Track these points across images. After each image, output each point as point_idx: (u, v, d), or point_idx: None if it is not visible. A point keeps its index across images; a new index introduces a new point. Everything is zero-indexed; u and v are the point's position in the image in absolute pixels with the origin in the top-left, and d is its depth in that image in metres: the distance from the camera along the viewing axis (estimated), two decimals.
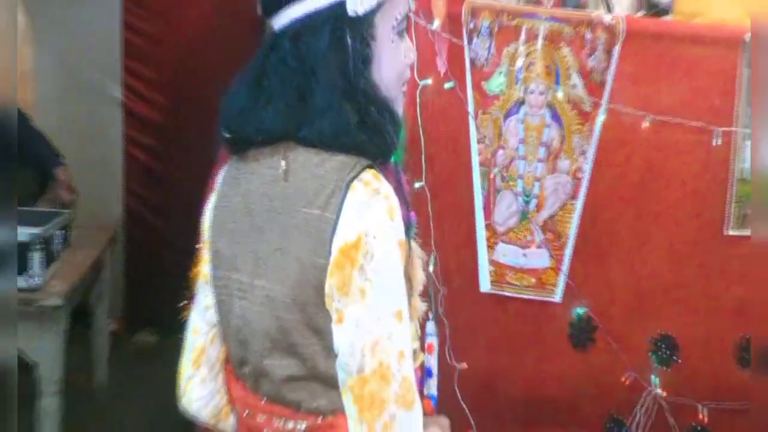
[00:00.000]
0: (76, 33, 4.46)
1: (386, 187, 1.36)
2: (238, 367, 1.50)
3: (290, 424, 1.43)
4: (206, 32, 4.45)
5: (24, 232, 3.29)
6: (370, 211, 1.34)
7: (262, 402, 1.46)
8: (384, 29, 1.43)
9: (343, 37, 1.38)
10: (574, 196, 2.89)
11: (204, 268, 1.56)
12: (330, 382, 1.40)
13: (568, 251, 2.90)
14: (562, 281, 2.91)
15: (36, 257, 3.30)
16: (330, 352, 1.38)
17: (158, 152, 4.65)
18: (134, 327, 4.61)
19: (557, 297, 2.92)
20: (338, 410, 1.40)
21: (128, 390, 4.04)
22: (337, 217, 1.33)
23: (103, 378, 4.15)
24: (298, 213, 1.36)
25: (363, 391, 1.35)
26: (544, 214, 2.89)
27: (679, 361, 2.94)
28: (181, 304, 2.43)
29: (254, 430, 1.49)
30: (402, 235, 1.37)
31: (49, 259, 3.41)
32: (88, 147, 4.39)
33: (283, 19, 1.41)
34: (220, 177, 1.53)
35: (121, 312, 4.61)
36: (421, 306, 1.50)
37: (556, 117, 2.86)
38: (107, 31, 4.53)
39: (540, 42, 2.82)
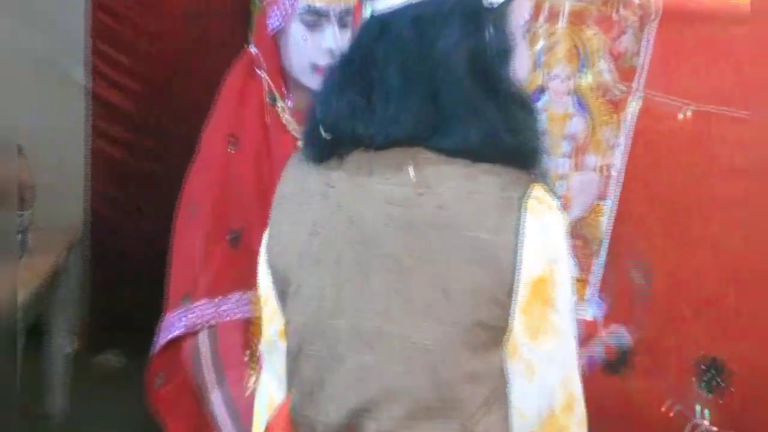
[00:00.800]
0: (35, 4, 4.37)
1: (558, 204, 1.33)
2: None
3: None
4: (187, 15, 4.39)
5: None
6: (553, 234, 1.31)
7: None
8: (515, 24, 1.39)
9: (480, 25, 1.33)
10: (603, 196, 2.79)
11: (272, 323, 1.49)
12: None
13: (599, 260, 2.80)
14: (591, 294, 2.81)
15: None
16: (488, 409, 1.32)
17: (129, 145, 4.50)
18: (98, 347, 4.45)
19: (586, 313, 2.81)
20: None
21: (91, 419, 3.90)
22: (519, 242, 1.27)
23: (61, 405, 4.02)
24: (455, 237, 1.29)
25: (553, 427, 1.34)
26: (570, 217, 2.75)
27: (732, 388, 2.79)
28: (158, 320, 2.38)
29: None
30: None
31: None
32: (47, 138, 4.22)
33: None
34: (294, 190, 1.44)
35: (84, 329, 4.47)
36: None
37: (582, 106, 2.78)
38: (73, 6, 4.43)
39: (563, 22, 2.76)
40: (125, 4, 4.44)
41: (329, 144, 1.36)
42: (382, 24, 1.35)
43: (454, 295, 1.27)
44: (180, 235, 2.34)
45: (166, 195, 2.58)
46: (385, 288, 1.32)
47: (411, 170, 1.30)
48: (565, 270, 1.31)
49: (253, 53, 2.28)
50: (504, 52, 1.34)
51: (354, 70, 1.36)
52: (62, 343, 4.05)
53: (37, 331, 3.76)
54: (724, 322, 2.84)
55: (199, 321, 2.21)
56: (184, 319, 2.22)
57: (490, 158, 1.28)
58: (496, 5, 1.33)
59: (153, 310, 2.59)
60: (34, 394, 3.80)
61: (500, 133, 1.28)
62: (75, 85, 4.46)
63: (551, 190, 1.34)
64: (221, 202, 2.18)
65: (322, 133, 1.35)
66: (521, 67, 1.39)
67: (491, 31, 1.32)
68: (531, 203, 1.27)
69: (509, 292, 1.26)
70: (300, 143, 1.45)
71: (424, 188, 1.30)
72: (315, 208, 1.38)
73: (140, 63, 4.48)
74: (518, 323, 1.27)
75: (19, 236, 3.50)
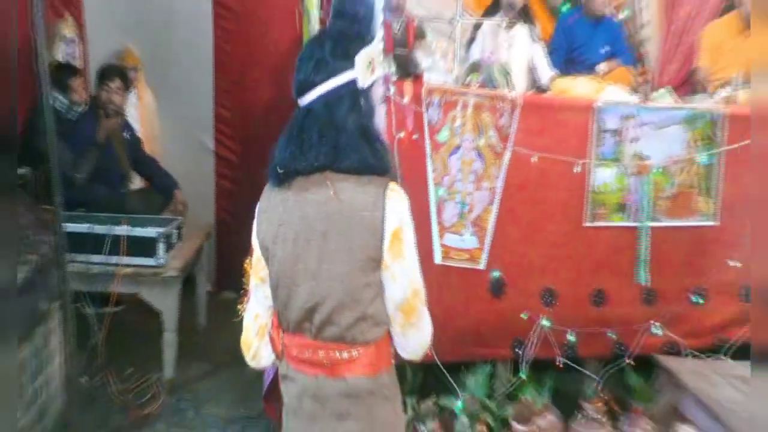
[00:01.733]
0: (184, 107, 4.45)
1: (403, 191, 1.43)
2: (297, 325, 1.45)
3: (344, 354, 1.42)
4: (268, 106, 4.34)
5: (153, 231, 3.31)
6: (400, 206, 1.39)
7: (323, 343, 1.42)
8: (376, 96, 1.49)
9: (358, 101, 1.40)
10: (491, 203, 2.88)
11: (258, 272, 1.51)
12: (374, 321, 1.42)
13: (488, 238, 2.89)
14: (485, 256, 2.90)
15: (161, 246, 3.30)
16: (375, 300, 1.41)
17: (236, 181, 4.56)
18: (221, 288, 4.44)
19: (482, 265, 2.90)
20: (377, 340, 1.43)
21: (218, 329, 3.92)
22: (384, 215, 1.36)
23: (202, 321, 4.11)
24: (354, 217, 1.37)
25: (406, 306, 1.41)
26: (474, 215, 2.89)
27: (557, 303, 2.96)
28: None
29: (316, 363, 1.44)
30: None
31: (169, 247, 3.41)
32: (193, 178, 4.40)
33: (313, 94, 1.40)
34: (268, 205, 1.47)
35: (214, 279, 4.48)
36: None
37: (480, 155, 2.86)
38: (205, 105, 4.50)
39: (470, 110, 2.82)
40: (233, 101, 4.49)
41: (282, 175, 1.42)
42: (307, 109, 1.40)
43: (354, 247, 1.37)
44: None
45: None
46: (319, 248, 1.39)
47: (330, 187, 1.37)
48: (407, 223, 1.39)
49: None
50: (371, 113, 1.42)
51: (294, 135, 1.41)
52: (203, 286, 4.10)
53: (190, 280, 3.85)
54: (555, 270, 2.96)
55: None
56: None
57: (366, 171, 1.39)
58: (365, 87, 1.40)
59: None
60: (189, 316, 3.85)
61: (369, 159, 1.38)
62: (208, 149, 4.58)
63: (399, 184, 1.42)
64: None
65: (279, 170, 1.42)
66: (380, 121, 1.58)
67: (363, 101, 1.40)
68: (389, 193, 1.38)
69: (381, 240, 1.37)
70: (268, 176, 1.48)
71: (336, 196, 1.37)
72: (280, 212, 1.43)
73: (241, 134, 4.52)
74: (387, 255, 1.38)
75: (178, 231, 3.59)
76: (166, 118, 4.48)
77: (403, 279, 1.40)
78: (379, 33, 1.54)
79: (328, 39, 1.42)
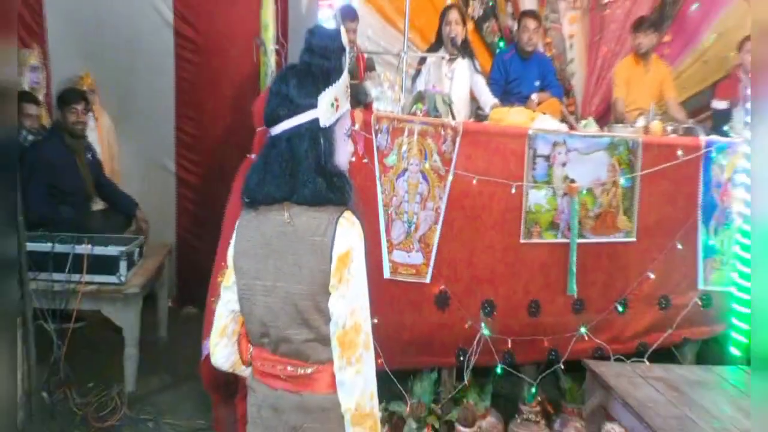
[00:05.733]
0: (146, 131, 4.40)
1: (357, 220, 1.37)
2: (258, 338, 1.43)
3: (300, 370, 1.39)
4: (227, 131, 4.32)
5: (115, 249, 3.24)
6: (351, 235, 1.34)
7: (281, 358, 1.40)
8: (339, 134, 1.40)
9: (318, 140, 1.36)
10: (435, 222, 2.87)
11: (228, 279, 1.49)
12: (328, 342, 1.37)
13: (433, 254, 2.87)
14: (430, 271, 2.88)
15: (123, 264, 3.23)
16: (327, 322, 1.36)
17: (197, 202, 4.48)
18: (182, 304, 4.39)
19: (427, 280, 2.88)
20: (331, 359, 1.39)
21: (178, 343, 3.88)
22: (333, 240, 1.33)
23: (163, 335, 4.02)
24: (306, 240, 1.35)
25: (345, 338, 1.34)
26: (420, 233, 2.87)
27: (496, 314, 2.97)
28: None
29: (273, 376, 1.42)
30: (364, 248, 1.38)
31: (130, 265, 3.33)
32: (155, 200, 4.34)
33: (278, 128, 1.37)
34: (240, 223, 1.45)
35: (175, 294, 4.41)
36: None
37: (425, 178, 2.86)
38: (167, 130, 4.43)
39: (416, 136, 2.82)
40: (193, 128, 4.42)
41: (250, 202, 1.41)
42: (272, 142, 1.38)
43: (304, 268, 1.35)
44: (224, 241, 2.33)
45: (215, 228, 2.62)
46: (275, 267, 1.38)
47: (287, 214, 1.37)
48: (356, 253, 1.34)
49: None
50: (329, 152, 1.37)
51: (260, 165, 1.40)
52: (164, 301, 4.02)
53: (151, 296, 3.79)
54: (494, 283, 2.95)
55: None
56: None
57: (319, 204, 1.35)
58: (326, 126, 1.36)
59: (210, 286, 2.64)
60: (150, 330, 3.80)
61: (323, 192, 1.34)
62: (170, 171, 4.49)
63: (355, 213, 1.37)
64: None
65: (244, 198, 1.42)
66: (343, 156, 1.42)
67: (322, 141, 1.36)
68: (341, 221, 1.34)
69: (330, 265, 1.33)
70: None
71: (291, 220, 1.36)
72: (249, 229, 1.42)
73: (201, 158, 4.45)
74: (334, 277, 1.33)
75: (140, 249, 3.51)
76: (129, 142, 4.40)
77: (344, 306, 1.34)
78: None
79: (294, 76, 1.37)
